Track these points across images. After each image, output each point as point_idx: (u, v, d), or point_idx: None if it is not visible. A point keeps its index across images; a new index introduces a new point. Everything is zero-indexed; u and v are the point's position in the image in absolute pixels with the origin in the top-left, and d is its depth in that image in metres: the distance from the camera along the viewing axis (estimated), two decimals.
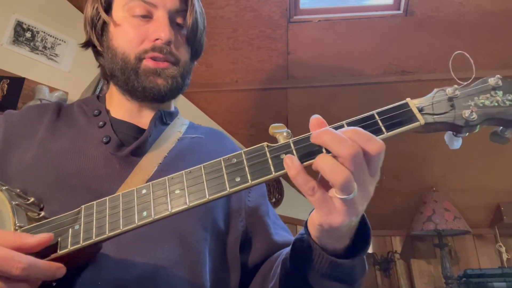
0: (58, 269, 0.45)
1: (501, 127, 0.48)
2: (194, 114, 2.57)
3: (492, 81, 0.48)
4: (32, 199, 0.56)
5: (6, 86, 1.78)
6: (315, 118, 0.47)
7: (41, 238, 0.45)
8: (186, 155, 0.73)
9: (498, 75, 0.49)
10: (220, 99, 2.58)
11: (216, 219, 0.68)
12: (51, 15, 1.99)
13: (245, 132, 2.77)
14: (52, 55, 1.96)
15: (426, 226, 2.67)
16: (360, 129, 0.43)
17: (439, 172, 2.81)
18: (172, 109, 0.82)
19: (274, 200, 2.90)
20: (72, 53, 2.01)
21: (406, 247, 3.10)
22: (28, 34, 1.90)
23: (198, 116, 2.60)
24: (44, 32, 1.95)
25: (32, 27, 1.92)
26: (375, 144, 0.41)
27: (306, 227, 0.51)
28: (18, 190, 0.56)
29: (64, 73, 1.98)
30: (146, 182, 0.62)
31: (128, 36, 0.70)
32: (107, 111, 0.75)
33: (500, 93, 0.48)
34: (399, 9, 2.04)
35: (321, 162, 0.42)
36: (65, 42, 2.00)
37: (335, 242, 0.49)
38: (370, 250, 3.11)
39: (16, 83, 1.80)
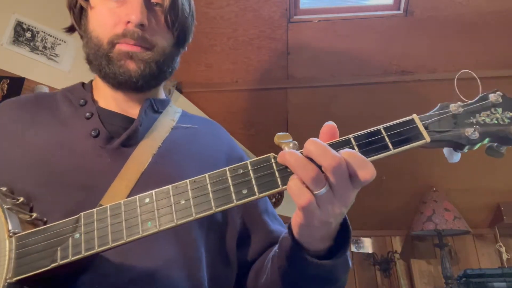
0: None
1: (497, 143, 0.49)
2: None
3: (492, 97, 0.50)
4: (21, 199, 0.53)
5: (6, 86, 1.78)
6: (328, 126, 0.48)
7: None
8: (181, 147, 0.70)
9: (499, 92, 0.50)
10: (220, 99, 2.58)
11: (213, 216, 0.67)
12: (51, 15, 1.98)
13: (245, 132, 2.77)
14: (52, 55, 1.95)
15: (426, 226, 2.67)
16: (356, 153, 0.44)
17: (439, 172, 2.81)
18: (163, 97, 0.79)
19: (274, 200, 2.90)
20: (72, 53, 2.01)
21: (406, 247, 3.10)
22: (28, 34, 1.89)
23: None
24: (44, 32, 1.95)
25: (32, 27, 1.92)
26: (366, 171, 0.42)
27: (289, 228, 0.52)
28: (5, 189, 0.53)
29: (64, 73, 1.98)
30: (141, 175, 0.61)
31: (101, 19, 0.67)
32: (94, 101, 0.71)
33: (499, 110, 0.49)
34: (399, 9, 2.04)
35: (290, 158, 0.44)
36: (65, 42, 2.00)
37: (318, 242, 0.50)
38: (370, 250, 3.11)
39: (16, 83, 1.80)
